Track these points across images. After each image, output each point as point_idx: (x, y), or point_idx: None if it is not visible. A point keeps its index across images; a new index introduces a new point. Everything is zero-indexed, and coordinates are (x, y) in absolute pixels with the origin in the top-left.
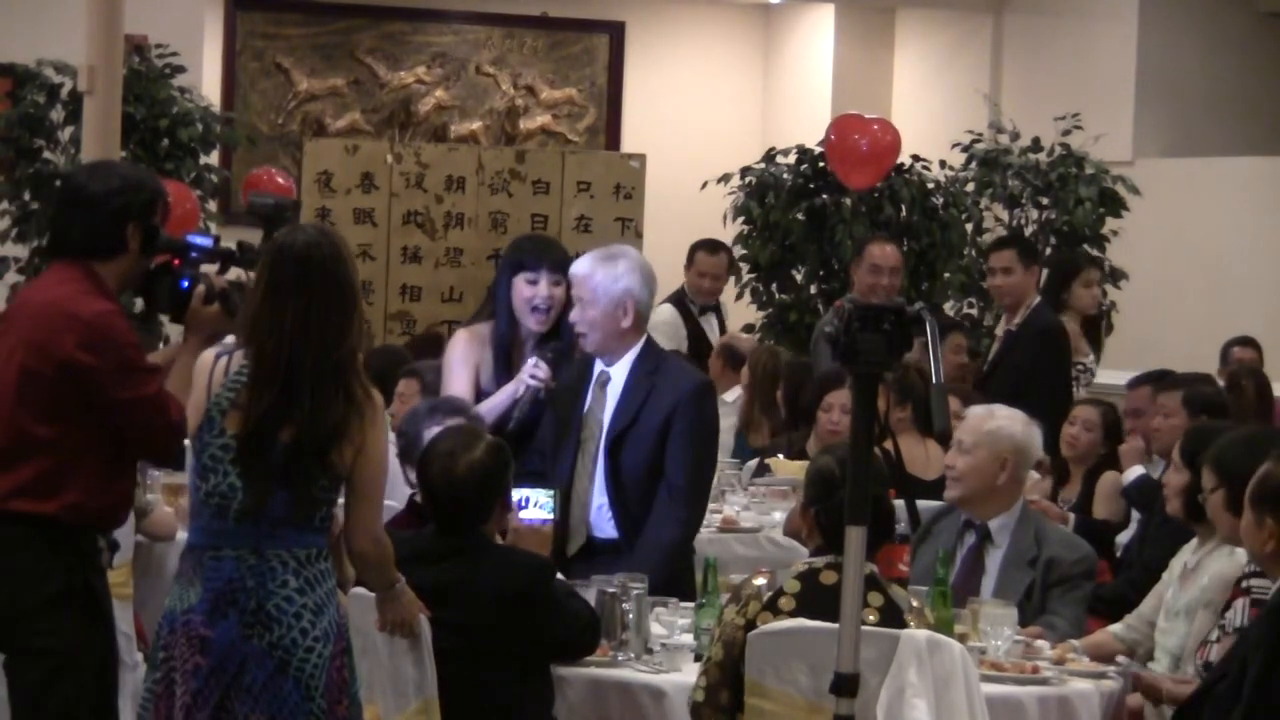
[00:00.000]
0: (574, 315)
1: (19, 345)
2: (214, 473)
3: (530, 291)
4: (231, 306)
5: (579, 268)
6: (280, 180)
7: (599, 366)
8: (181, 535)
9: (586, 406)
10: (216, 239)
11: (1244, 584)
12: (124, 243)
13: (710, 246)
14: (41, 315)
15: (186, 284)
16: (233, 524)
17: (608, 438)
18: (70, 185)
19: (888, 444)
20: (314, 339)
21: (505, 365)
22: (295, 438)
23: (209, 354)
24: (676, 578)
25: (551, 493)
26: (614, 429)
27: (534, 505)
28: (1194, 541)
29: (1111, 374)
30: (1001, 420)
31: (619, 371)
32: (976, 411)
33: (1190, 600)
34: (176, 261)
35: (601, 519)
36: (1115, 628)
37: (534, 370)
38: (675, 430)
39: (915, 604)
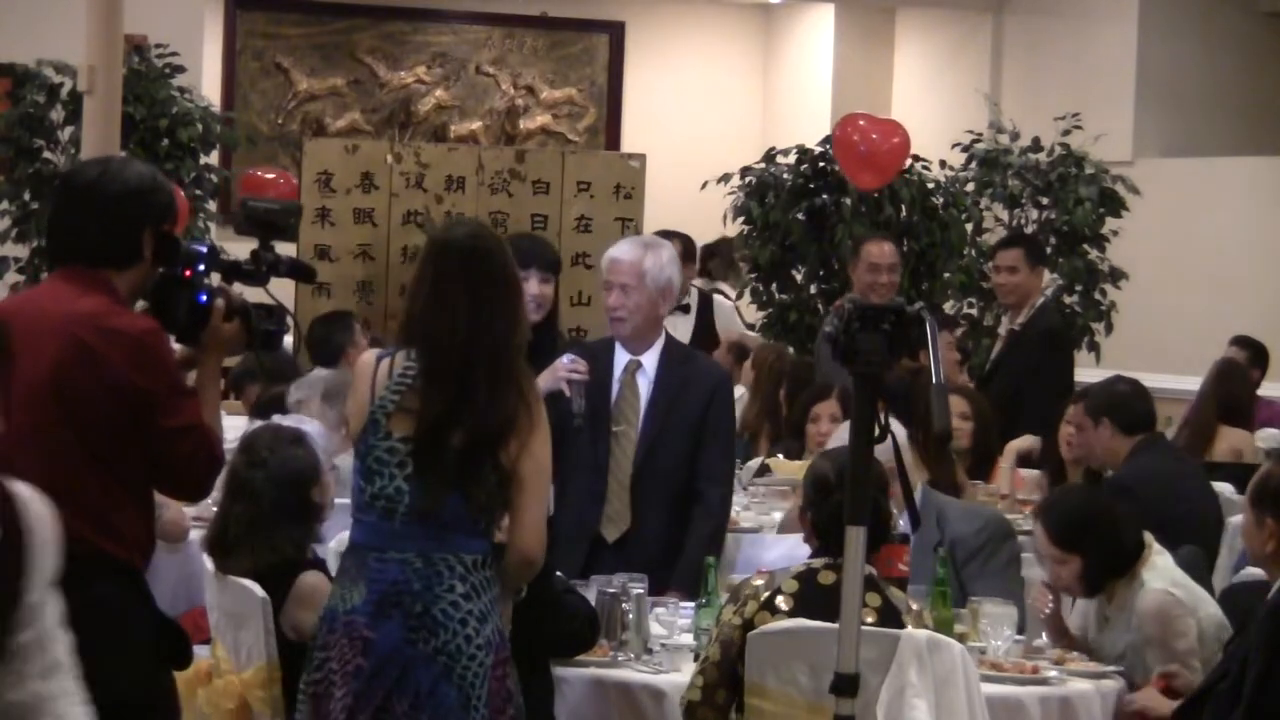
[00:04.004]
0: (613, 300)
1: (48, 366)
2: (380, 475)
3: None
4: (253, 324)
5: (623, 254)
6: (280, 182)
7: (624, 356)
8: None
9: (616, 395)
10: (213, 247)
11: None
12: (140, 250)
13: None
14: (73, 331)
15: (205, 298)
16: (400, 526)
17: (647, 423)
18: (78, 184)
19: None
20: (486, 334)
21: None
22: (468, 437)
23: (370, 355)
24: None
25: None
26: (654, 415)
27: None
28: (1097, 600)
29: (1110, 374)
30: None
31: (650, 359)
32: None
33: (1133, 641)
34: (188, 272)
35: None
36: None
37: (574, 365)
38: (714, 416)
39: (915, 606)
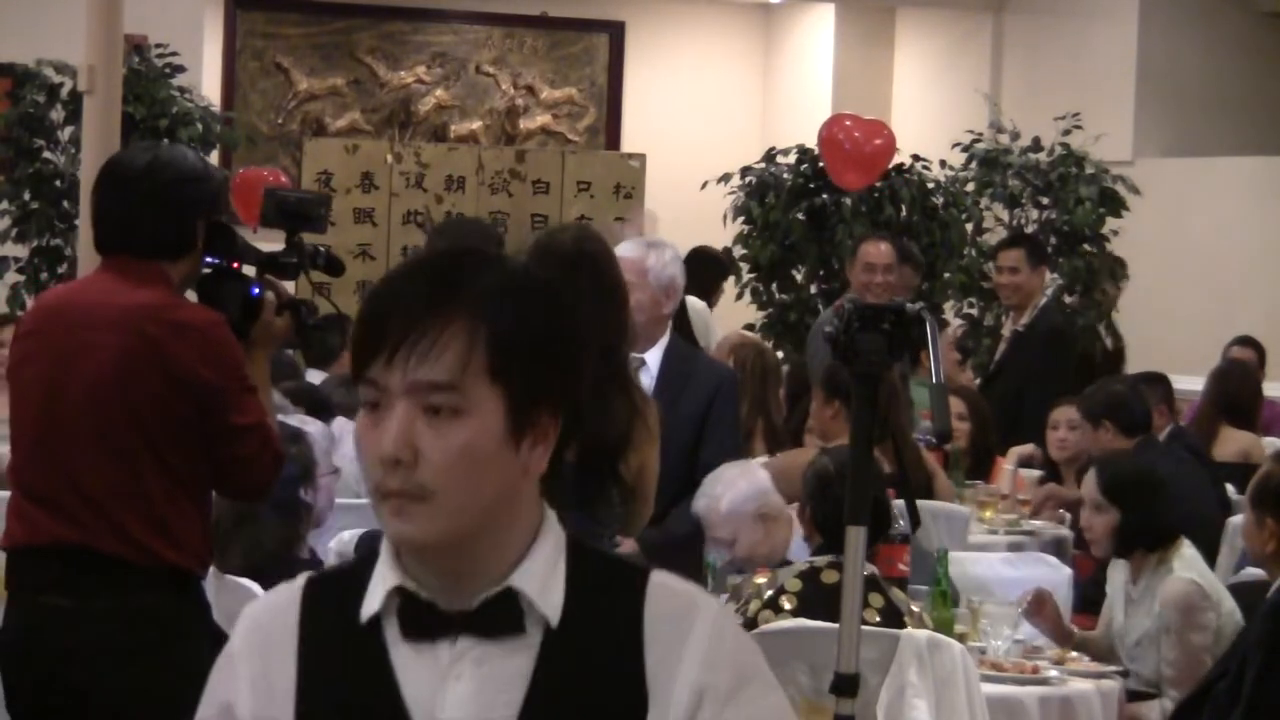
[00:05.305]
0: None
1: (110, 362)
2: None
3: None
4: (303, 318)
5: (626, 252)
6: (284, 180)
7: None
8: None
9: None
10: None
11: None
12: (194, 240)
13: None
14: (135, 324)
15: (257, 291)
16: None
17: None
18: (127, 171)
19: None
20: (595, 343)
21: None
22: (582, 451)
23: None
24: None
25: None
26: None
27: None
28: (1126, 571)
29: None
30: (742, 488)
31: (653, 358)
32: (722, 499)
33: (1150, 629)
34: (236, 264)
35: None
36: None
37: None
38: (716, 415)
39: (915, 608)
